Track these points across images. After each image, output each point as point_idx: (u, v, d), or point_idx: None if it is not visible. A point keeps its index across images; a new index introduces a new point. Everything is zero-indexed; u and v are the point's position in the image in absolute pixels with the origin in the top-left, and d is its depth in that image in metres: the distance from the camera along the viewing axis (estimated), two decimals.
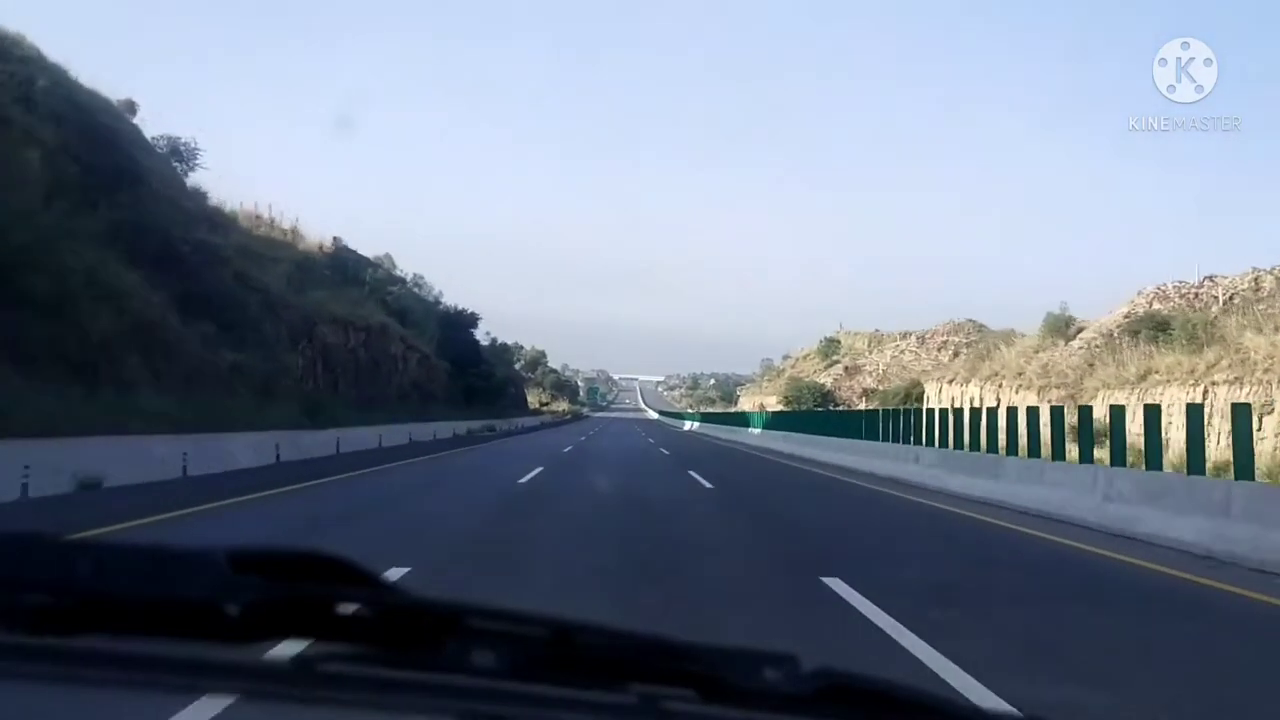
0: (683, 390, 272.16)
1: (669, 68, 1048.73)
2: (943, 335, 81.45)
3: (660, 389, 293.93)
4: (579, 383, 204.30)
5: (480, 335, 74.34)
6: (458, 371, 50.12)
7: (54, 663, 0.66)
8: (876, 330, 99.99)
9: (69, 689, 0.66)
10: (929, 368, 77.88)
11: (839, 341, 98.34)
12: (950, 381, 50.43)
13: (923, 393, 64.58)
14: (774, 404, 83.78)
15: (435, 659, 0.66)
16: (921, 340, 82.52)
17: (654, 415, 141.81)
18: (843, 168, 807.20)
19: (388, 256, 61.71)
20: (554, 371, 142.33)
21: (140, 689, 0.67)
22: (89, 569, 0.65)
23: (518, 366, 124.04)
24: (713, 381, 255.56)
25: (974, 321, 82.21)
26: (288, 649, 0.67)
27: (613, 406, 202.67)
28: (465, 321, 53.03)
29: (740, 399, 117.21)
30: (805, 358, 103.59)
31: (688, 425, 75.57)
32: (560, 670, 0.66)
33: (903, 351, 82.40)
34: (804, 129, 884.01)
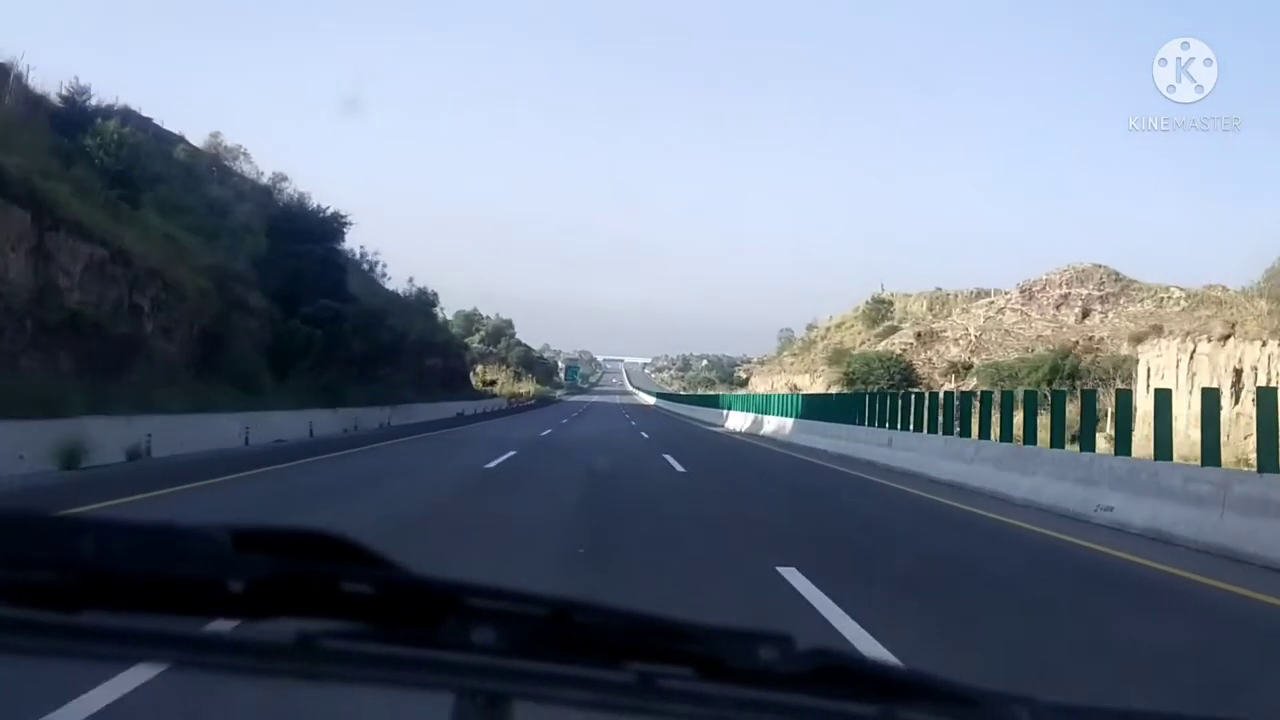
0: (672, 372, 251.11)
1: (665, 47, 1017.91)
2: (1059, 287, 58.09)
3: (648, 370, 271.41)
4: (559, 363, 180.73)
5: (400, 282, 49.73)
6: (289, 313, 26.09)
7: (56, 637, 0.66)
8: (938, 289, 76.53)
9: (69, 662, 0.67)
10: (1047, 331, 54.86)
11: (890, 303, 74.87)
12: (1221, 339, 26.89)
13: (1076, 368, 41.27)
14: (810, 385, 60.47)
15: (436, 636, 0.66)
16: (1029, 295, 58.92)
17: (648, 399, 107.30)
18: (839, 143, 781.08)
19: (239, 149, 37.68)
20: (522, 345, 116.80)
21: (142, 664, 0.68)
22: (91, 545, 0.65)
23: (477, 339, 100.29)
24: (705, 362, 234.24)
25: (1104, 267, 58.69)
26: (291, 626, 0.66)
27: (595, 389, 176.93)
28: (312, 227, 28.37)
29: (753, 380, 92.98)
30: (841, 325, 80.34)
31: (734, 421, 36.60)
32: (559, 648, 0.66)
33: (1000, 311, 59.14)
34: (800, 108, 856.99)
